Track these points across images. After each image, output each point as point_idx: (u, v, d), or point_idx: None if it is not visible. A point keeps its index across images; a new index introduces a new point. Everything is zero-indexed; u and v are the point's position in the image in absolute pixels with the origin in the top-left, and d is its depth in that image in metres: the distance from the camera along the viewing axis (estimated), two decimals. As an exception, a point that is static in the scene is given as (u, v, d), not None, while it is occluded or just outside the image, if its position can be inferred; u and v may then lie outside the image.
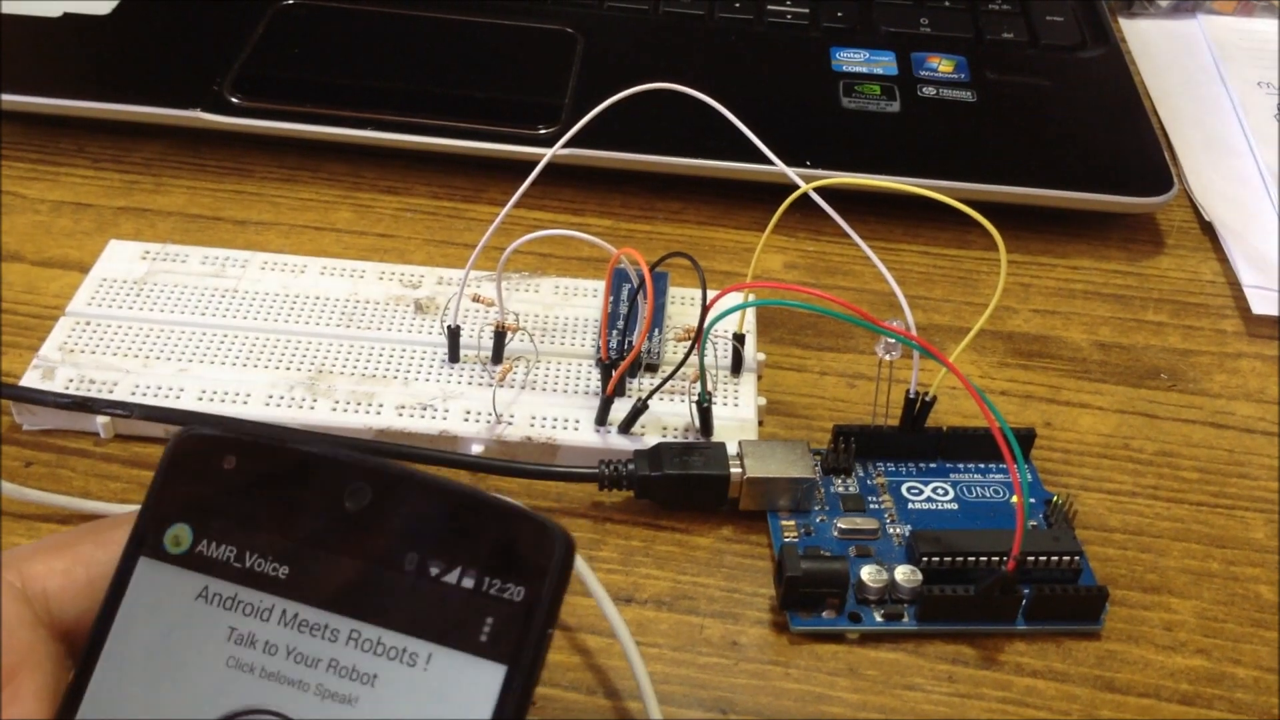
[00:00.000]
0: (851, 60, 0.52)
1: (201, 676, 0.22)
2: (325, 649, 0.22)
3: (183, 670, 0.22)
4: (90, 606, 0.23)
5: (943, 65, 0.52)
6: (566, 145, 0.38)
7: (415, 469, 0.23)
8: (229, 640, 0.22)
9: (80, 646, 0.22)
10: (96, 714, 0.22)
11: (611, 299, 0.40)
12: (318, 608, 0.22)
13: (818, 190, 0.36)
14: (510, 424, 0.37)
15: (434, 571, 0.22)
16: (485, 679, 0.21)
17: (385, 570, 0.22)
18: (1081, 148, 0.49)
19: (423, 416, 0.37)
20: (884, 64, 0.52)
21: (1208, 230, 0.49)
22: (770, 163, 0.38)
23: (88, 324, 0.39)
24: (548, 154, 0.37)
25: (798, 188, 0.36)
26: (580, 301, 0.41)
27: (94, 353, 0.38)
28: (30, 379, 0.37)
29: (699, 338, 0.35)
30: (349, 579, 0.22)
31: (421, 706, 0.21)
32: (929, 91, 0.51)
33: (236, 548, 0.22)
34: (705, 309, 0.35)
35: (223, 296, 0.40)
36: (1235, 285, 0.46)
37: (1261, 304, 0.45)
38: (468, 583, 0.22)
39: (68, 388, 0.37)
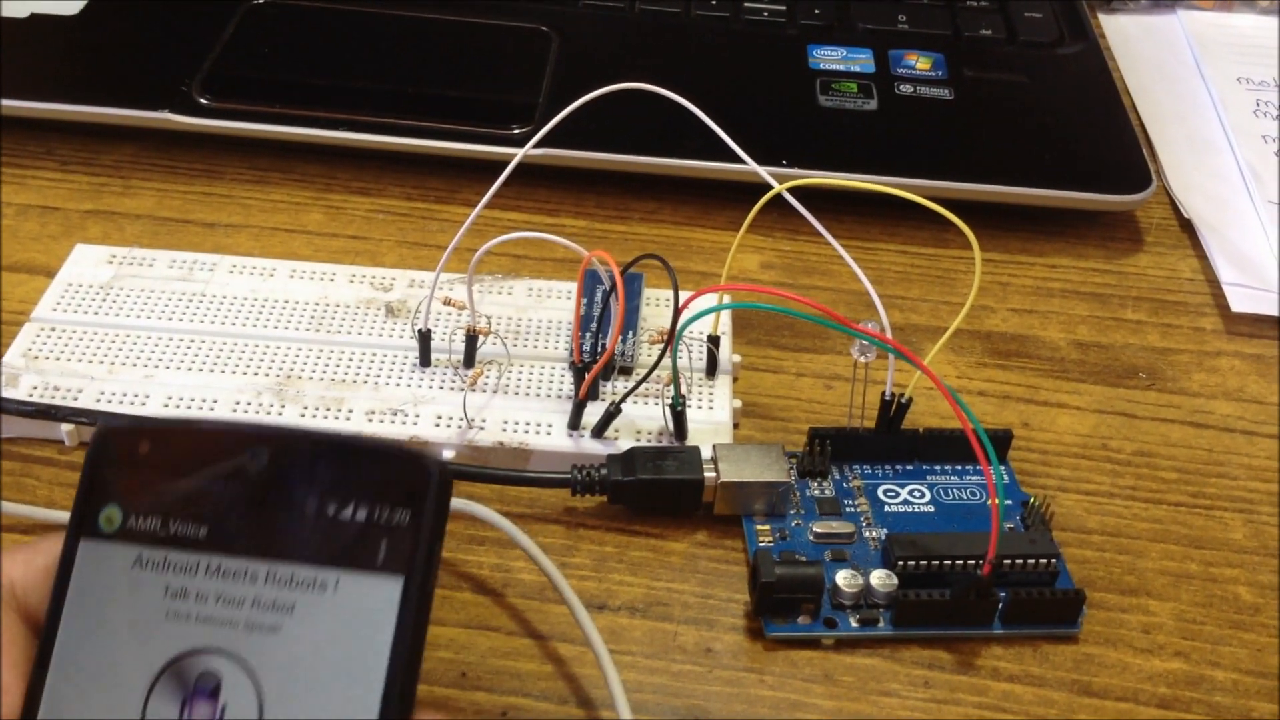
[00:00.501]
0: (829, 58, 0.52)
1: (147, 630, 0.25)
2: (248, 590, 0.25)
3: (130, 628, 0.25)
4: (48, 593, 0.26)
5: (920, 63, 0.52)
6: (540, 145, 0.37)
7: (304, 428, 0.27)
8: (165, 596, 0.25)
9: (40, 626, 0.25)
10: (62, 675, 0.25)
11: (584, 301, 0.39)
12: (236, 557, 0.25)
13: (792, 190, 0.36)
14: (482, 429, 0.36)
15: (331, 510, 0.25)
16: (387, 591, 0.25)
17: (289, 516, 0.26)
18: (1060, 145, 0.49)
19: (393, 422, 0.36)
20: (861, 61, 0.52)
21: (1186, 228, 0.48)
22: (745, 162, 0.37)
23: (52, 330, 0.39)
24: (518, 154, 0.37)
25: (769, 190, 0.35)
26: (553, 304, 0.41)
27: (59, 359, 0.38)
28: (-7, 386, 0.37)
29: (671, 340, 0.35)
30: (259, 528, 0.26)
31: (337, 622, 0.25)
32: (906, 89, 0.50)
33: (161, 518, 0.26)
34: (678, 311, 0.34)
35: (190, 301, 0.40)
36: (1214, 283, 0.45)
37: (1241, 302, 0.44)
38: (361, 515, 0.25)
39: (31, 395, 0.36)
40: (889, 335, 0.34)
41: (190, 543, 0.26)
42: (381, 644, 0.25)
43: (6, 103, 0.47)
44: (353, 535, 0.25)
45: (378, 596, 0.25)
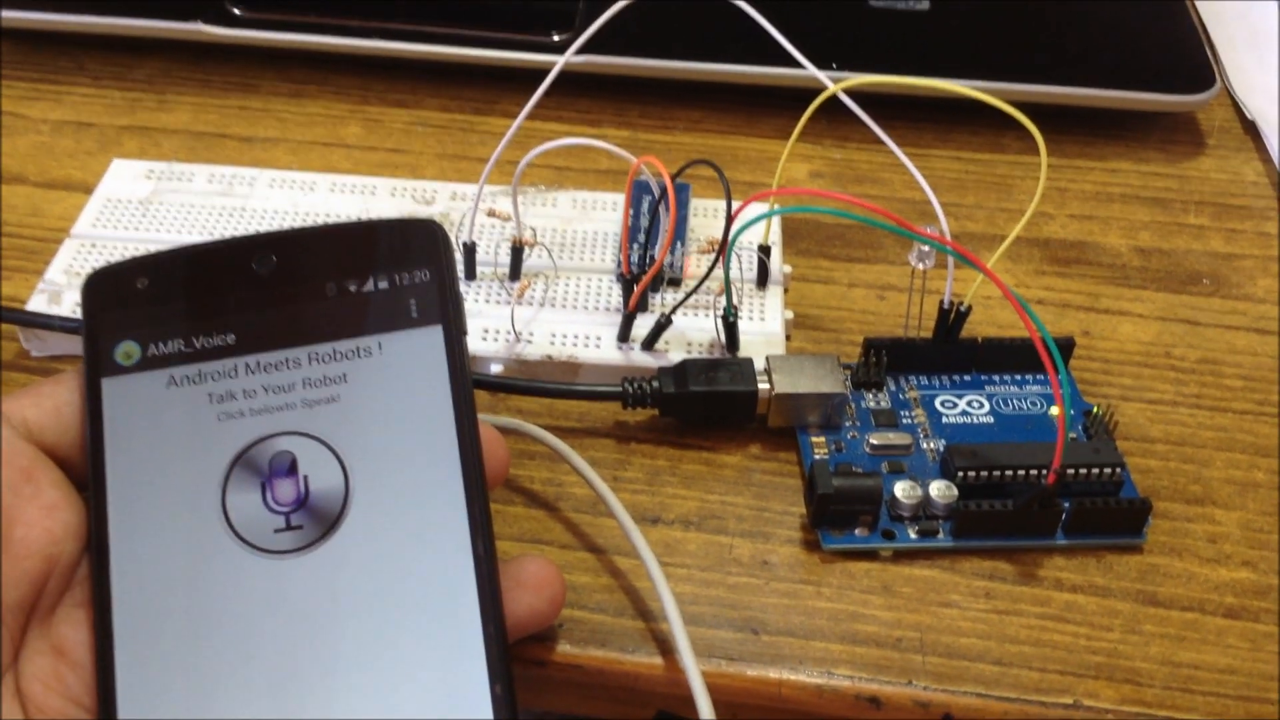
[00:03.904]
0: (877, -43, 0.50)
1: (201, 438, 0.26)
2: (295, 375, 0.26)
3: (183, 441, 0.26)
4: (61, 430, 0.26)
5: (973, -39, 0.50)
6: (580, 52, 0.36)
7: (300, 227, 0.29)
8: (211, 404, 0.26)
9: (61, 462, 0.26)
10: (124, 502, 0.25)
11: (632, 212, 0.38)
12: (273, 351, 0.26)
13: (846, 92, 0.34)
14: (530, 342, 0.36)
15: (352, 288, 0.27)
16: (430, 339, 0.27)
17: (314, 302, 0.27)
18: (1118, 44, 0.47)
19: (439, 336, 0.36)
20: (911, -40, 0.50)
21: (1250, 129, 0.47)
22: (796, 65, 0.36)
23: (93, 246, 0.38)
24: (559, 61, 0.35)
25: (823, 92, 0.34)
26: (599, 215, 0.40)
27: (101, 276, 0.37)
28: (37, 303, 0.36)
29: (724, 249, 0.34)
30: (288, 320, 0.27)
31: (392, 377, 0.26)
32: (959, -12, 0.48)
33: (183, 339, 0.27)
34: (730, 219, 0.33)
35: (230, 215, 0.39)
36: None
37: (1307, 205, 0.43)
38: (383, 285, 0.27)
39: (75, 311, 0.36)
40: (948, 239, 0.33)
41: (221, 351, 0.26)
42: (440, 382, 0.26)
43: (36, 16, 0.46)
44: (382, 303, 0.27)
45: (423, 345, 0.27)
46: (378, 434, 0.26)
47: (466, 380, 0.27)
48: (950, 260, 0.34)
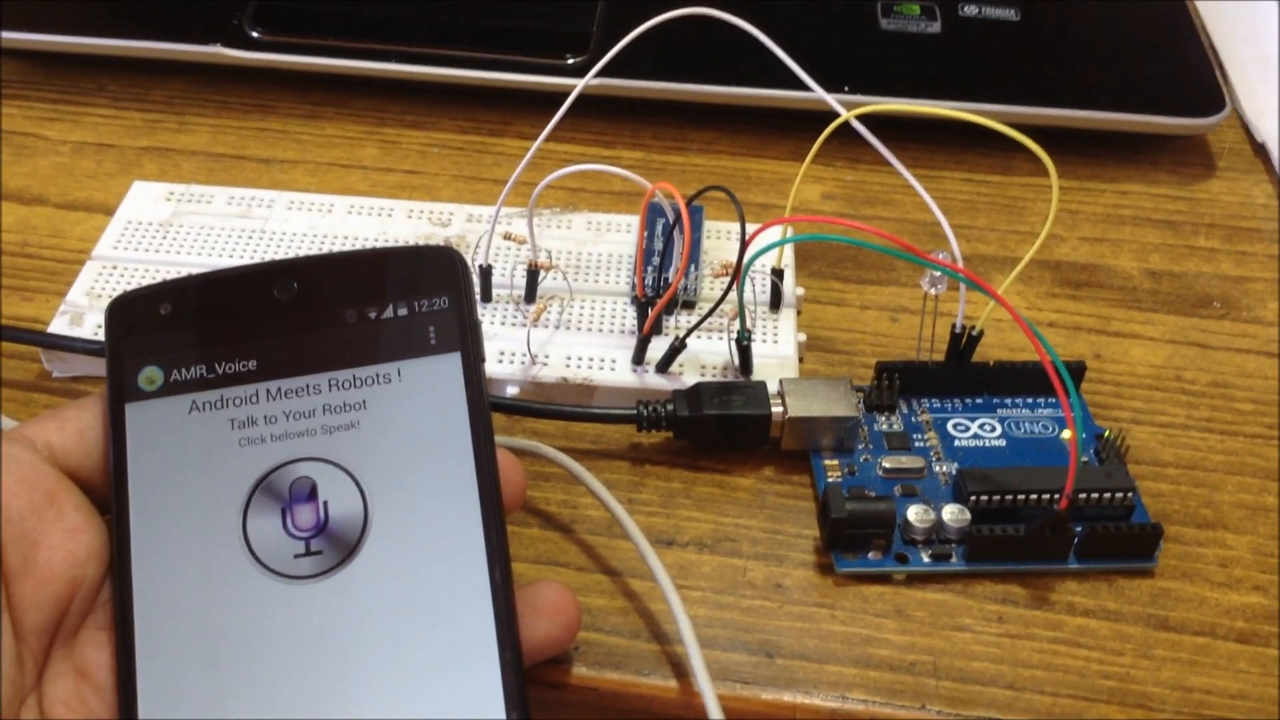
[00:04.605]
0: (889, -20, 0.50)
1: (222, 464, 0.26)
2: (315, 401, 0.27)
3: (205, 466, 0.26)
4: (85, 454, 0.27)
5: (984, -17, 0.50)
6: (596, 75, 0.37)
7: (323, 253, 0.29)
8: (232, 429, 0.26)
9: (84, 486, 0.27)
10: (146, 526, 0.26)
11: (646, 235, 0.39)
12: (294, 376, 0.27)
13: (859, 118, 0.35)
14: (545, 365, 0.36)
15: (372, 315, 0.27)
16: (449, 366, 0.27)
17: (334, 329, 0.27)
18: (1129, 67, 0.47)
19: (456, 358, 0.36)
20: (923, -17, 0.50)
21: (1260, 151, 0.47)
22: (808, 89, 0.36)
23: (114, 268, 0.39)
24: (579, 85, 0.36)
25: (835, 114, 0.34)
26: (614, 237, 0.40)
27: (122, 298, 0.38)
28: (59, 325, 0.37)
29: (738, 274, 0.34)
30: (309, 346, 0.27)
31: (411, 403, 0.27)
32: (971, 10, 0.49)
33: (205, 365, 0.27)
34: (744, 244, 0.34)
35: (250, 237, 0.40)
36: (1290, 208, 0.44)
37: (1318, 227, 0.43)
38: (403, 312, 0.27)
39: (96, 333, 0.36)
40: (961, 266, 0.33)
41: (243, 377, 0.27)
42: (458, 410, 0.27)
43: (57, 39, 0.47)
44: (401, 330, 0.27)
45: (441, 373, 0.27)
46: (396, 461, 0.27)
47: (485, 408, 0.27)
48: (962, 285, 0.34)
